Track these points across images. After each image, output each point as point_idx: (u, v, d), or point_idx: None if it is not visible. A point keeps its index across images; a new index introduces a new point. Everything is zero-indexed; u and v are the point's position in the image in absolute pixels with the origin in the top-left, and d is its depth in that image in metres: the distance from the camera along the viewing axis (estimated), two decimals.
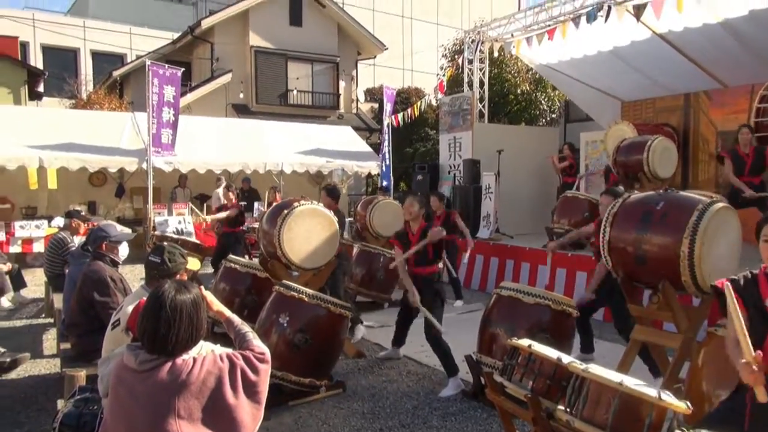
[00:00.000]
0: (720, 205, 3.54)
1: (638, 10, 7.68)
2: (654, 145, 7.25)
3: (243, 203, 9.76)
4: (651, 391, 2.31)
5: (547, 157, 10.39)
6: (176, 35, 21.99)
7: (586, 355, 5.16)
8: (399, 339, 5.28)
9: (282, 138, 13.89)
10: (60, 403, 4.20)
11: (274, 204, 5.69)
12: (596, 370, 2.48)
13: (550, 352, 2.80)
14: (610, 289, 4.66)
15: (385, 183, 12.56)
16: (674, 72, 9.22)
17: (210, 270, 8.32)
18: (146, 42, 25.11)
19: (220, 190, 8.76)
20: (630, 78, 9.90)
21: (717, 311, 2.66)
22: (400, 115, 12.61)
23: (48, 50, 24.91)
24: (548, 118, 16.29)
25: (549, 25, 9.55)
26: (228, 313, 2.39)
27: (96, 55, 25.84)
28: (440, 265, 5.14)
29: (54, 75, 21.41)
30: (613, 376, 2.44)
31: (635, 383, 2.37)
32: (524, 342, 2.92)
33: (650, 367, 4.39)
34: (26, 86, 17.24)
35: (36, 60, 23.81)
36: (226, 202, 8.64)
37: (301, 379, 4.21)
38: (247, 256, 8.90)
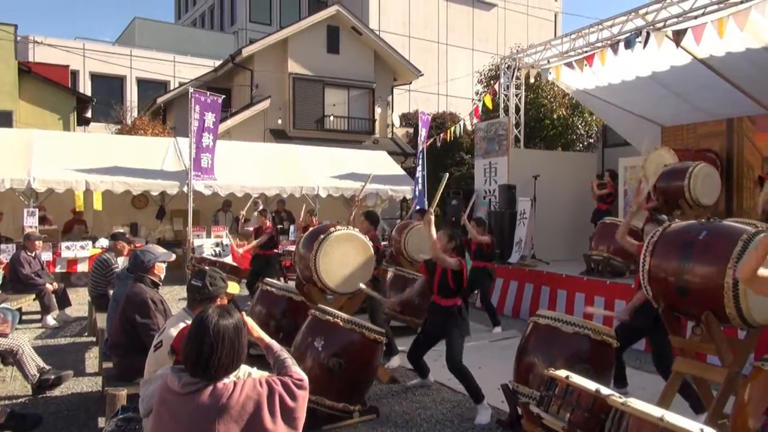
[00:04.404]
0: (766, 234, 3.44)
1: (678, 36, 7.58)
2: (696, 171, 7.12)
3: (279, 226, 9.91)
4: (693, 427, 2.25)
5: (591, 181, 10.25)
6: (217, 63, 22.77)
7: (619, 389, 4.89)
8: (421, 371, 5.20)
9: (318, 162, 14.11)
10: (101, 421, 4.32)
11: (311, 228, 5.76)
12: (636, 404, 2.43)
13: (588, 384, 2.75)
14: (650, 323, 4.52)
15: (418, 207, 12.57)
16: (716, 97, 9.04)
17: (245, 292, 8.44)
18: (189, 70, 26.10)
19: (257, 214, 8.94)
20: (670, 103, 9.74)
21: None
22: (432, 139, 12.68)
23: (96, 78, 26.11)
24: (585, 143, 16.10)
25: (586, 52, 9.50)
26: (267, 339, 2.43)
27: (141, 83, 26.95)
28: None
29: (101, 101, 22.37)
30: (654, 410, 2.38)
31: (677, 418, 2.31)
32: (561, 373, 2.88)
33: (691, 403, 4.24)
34: (75, 112, 18.01)
35: (85, 87, 24.97)
36: (260, 225, 8.80)
37: (335, 404, 4.21)
38: (281, 279, 9.01)
